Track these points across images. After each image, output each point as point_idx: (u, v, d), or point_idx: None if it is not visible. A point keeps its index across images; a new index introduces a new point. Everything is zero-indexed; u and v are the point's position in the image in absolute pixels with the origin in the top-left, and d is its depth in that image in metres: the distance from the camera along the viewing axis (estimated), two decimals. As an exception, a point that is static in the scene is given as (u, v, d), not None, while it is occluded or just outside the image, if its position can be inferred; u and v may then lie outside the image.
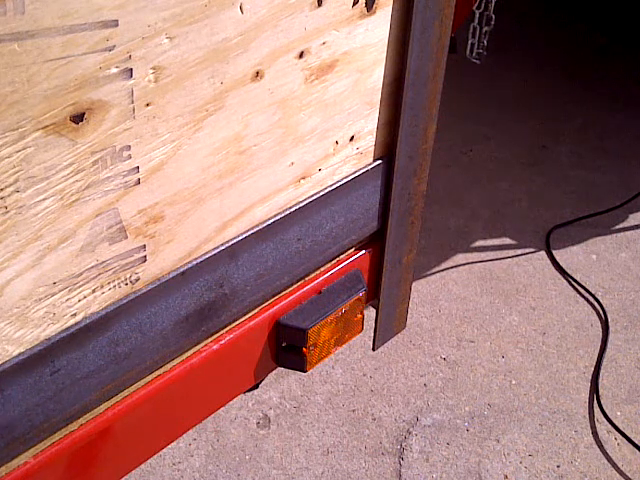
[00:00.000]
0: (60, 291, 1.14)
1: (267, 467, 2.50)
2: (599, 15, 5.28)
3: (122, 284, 1.23)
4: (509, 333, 3.01)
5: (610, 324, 3.05)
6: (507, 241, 3.46)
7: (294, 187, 1.45)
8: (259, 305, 1.52)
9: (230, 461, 2.51)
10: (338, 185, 1.53)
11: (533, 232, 3.51)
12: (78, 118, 1.03)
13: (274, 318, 1.54)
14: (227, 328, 1.48)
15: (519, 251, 3.41)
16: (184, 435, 1.63)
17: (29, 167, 1.01)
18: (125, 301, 1.24)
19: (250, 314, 1.51)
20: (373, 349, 1.87)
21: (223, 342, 1.46)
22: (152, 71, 1.09)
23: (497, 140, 4.09)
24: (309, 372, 1.69)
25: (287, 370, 2.18)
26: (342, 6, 1.32)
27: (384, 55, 1.46)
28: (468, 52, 2.97)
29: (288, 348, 1.59)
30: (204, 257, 1.34)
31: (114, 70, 1.04)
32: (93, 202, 1.12)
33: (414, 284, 3.11)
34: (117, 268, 1.21)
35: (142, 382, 1.36)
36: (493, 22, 2.88)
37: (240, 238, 1.39)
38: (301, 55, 1.31)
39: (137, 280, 1.25)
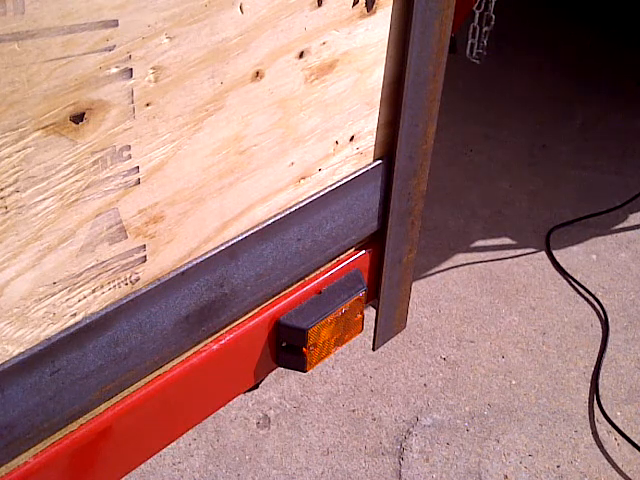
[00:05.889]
0: (60, 291, 1.14)
1: (267, 467, 2.50)
2: (599, 15, 5.28)
3: (122, 284, 1.23)
4: (509, 333, 3.01)
5: (610, 324, 3.05)
6: (507, 241, 3.46)
7: (294, 187, 1.45)
8: (259, 305, 1.52)
9: (230, 461, 2.51)
10: (338, 185, 1.53)
11: (533, 232, 3.51)
12: (78, 118, 1.03)
13: (274, 318, 1.54)
14: (227, 328, 1.48)
15: (519, 251, 3.41)
16: (184, 435, 1.63)
17: (29, 167, 1.01)
18: (125, 301, 1.24)
19: (250, 314, 1.51)
20: (373, 349, 1.87)
21: (223, 342, 1.46)
22: (152, 71, 1.09)
23: (497, 140, 4.09)
24: (309, 372, 1.69)
25: (287, 370, 2.18)
26: (342, 6, 1.32)
27: (384, 55, 1.46)
28: (468, 52, 2.97)
29: (288, 348, 1.59)
30: (204, 257, 1.34)
31: (114, 70, 1.04)
32: (93, 202, 1.12)
33: (414, 284, 3.11)
34: (117, 268, 1.21)
35: (142, 382, 1.36)
36: (493, 22, 2.88)
37: (240, 238, 1.39)
38: (301, 55, 1.31)
39: (137, 280, 1.25)
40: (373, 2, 1.37)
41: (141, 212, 1.20)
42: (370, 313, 1.78)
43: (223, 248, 1.36)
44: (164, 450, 2.46)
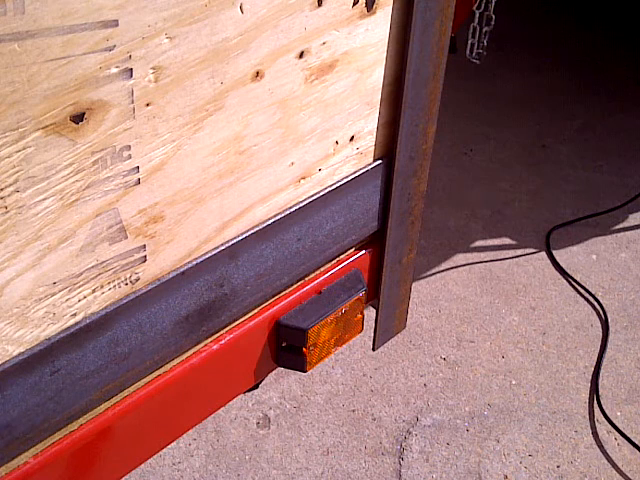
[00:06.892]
0: (60, 291, 1.14)
1: (267, 467, 2.50)
2: (599, 15, 5.28)
3: (122, 284, 1.23)
4: (509, 333, 3.01)
5: (610, 324, 3.05)
6: (507, 241, 3.46)
7: (294, 187, 1.45)
8: (259, 305, 1.52)
9: (230, 461, 2.51)
10: (338, 185, 1.53)
11: (533, 232, 3.51)
12: (78, 118, 1.03)
13: (274, 318, 1.54)
14: (227, 328, 1.48)
15: (519, 251, 3.41)
16: (184, 435, 1.63)
17: (29, 167, 1.01)
18: (125, 301, 1.24)
19: (250, 314, 1.51)
20: (373, 349, 1.87)
21: (223, 342, 1.46)
22: (152, 71, 1.09)
23: (497, 140, 4.09)
24: (309, 372, 1.69)
25: (287, 370, 2.18)
26: (342, 6, 1.32)
27: (384, 55, 1.46)
28: (468, 52, 2.97)
29: (288, 348, 1.59)
30: (204, 257, 1.34)
31: (114, 70, 1.04)
32: (93, 202, 1.12)
33: (414, 284, 3.11)
34: (117, 268, 1.21)
35: (142, 382, 1.36)
36: (493, 22, 2.88)
37: (240, 238, 1.39)
38: (301, 55, 1.31)
39: (137, 280, 1.25)
40: (373, 2, 1.37)
41: (141, 212, 1.20)
42: (370, 313, 1.78)
43: (223, 248, 1.36)
44: (164, 450, 2.46)
